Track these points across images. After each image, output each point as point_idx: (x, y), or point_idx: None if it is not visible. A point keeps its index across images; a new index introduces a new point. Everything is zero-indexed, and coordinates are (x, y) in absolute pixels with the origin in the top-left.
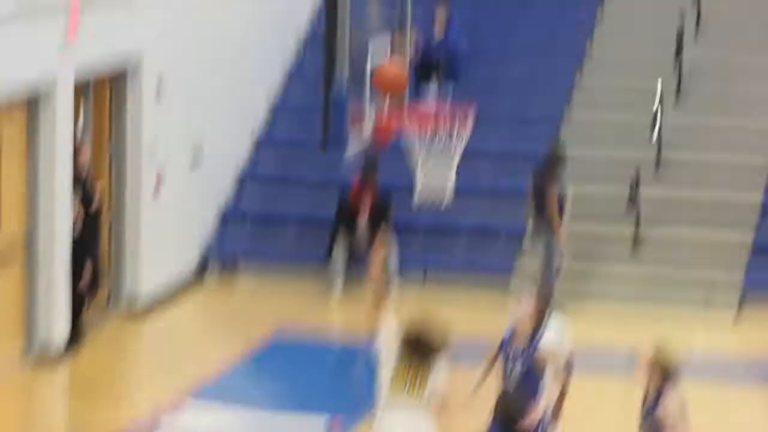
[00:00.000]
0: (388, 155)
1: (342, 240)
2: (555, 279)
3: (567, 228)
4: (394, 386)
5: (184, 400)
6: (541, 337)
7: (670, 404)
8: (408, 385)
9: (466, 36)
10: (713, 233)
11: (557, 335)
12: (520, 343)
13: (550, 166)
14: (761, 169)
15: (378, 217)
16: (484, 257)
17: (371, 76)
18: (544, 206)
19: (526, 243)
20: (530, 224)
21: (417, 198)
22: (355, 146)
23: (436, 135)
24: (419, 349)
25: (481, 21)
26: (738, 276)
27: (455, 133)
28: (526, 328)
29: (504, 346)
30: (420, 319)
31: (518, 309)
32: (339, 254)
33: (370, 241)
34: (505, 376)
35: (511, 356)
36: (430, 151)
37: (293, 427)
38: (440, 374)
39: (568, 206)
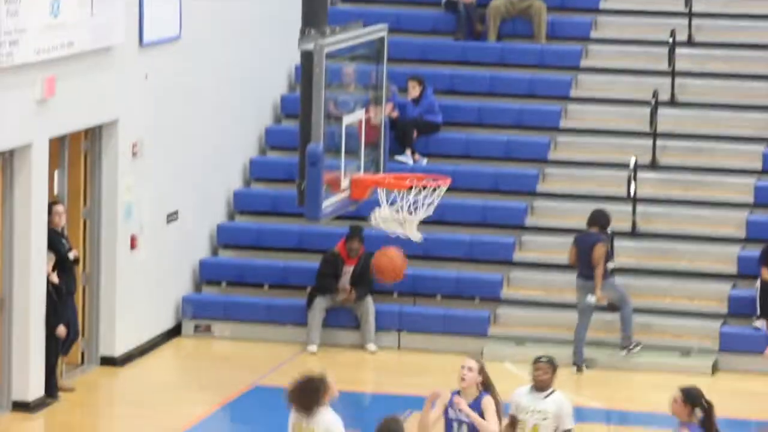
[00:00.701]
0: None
1: (322, 296)
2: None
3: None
4: None
5: None
6: (486, 394)
7: None
8: None
9: (440, 107)
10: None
11: (556, 406)
12: (467, 400)
13: (597, 224)
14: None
15: (359, 276)
16: (459, 320)
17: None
18: (590, 264)
19: (578, 303)
20: (577, 285)
21: (373, 219)
22: (331, 201)
23: (410, 192)
24: (302, 401)
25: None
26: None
27: (428, 193)
28: (471, 392)
29: (448, 408)
30: (302, 375)
31: (463, 375)
32: (317, 309)
33: (351, 300)
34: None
35: (455, 418)
36: (401, 203)
37: None
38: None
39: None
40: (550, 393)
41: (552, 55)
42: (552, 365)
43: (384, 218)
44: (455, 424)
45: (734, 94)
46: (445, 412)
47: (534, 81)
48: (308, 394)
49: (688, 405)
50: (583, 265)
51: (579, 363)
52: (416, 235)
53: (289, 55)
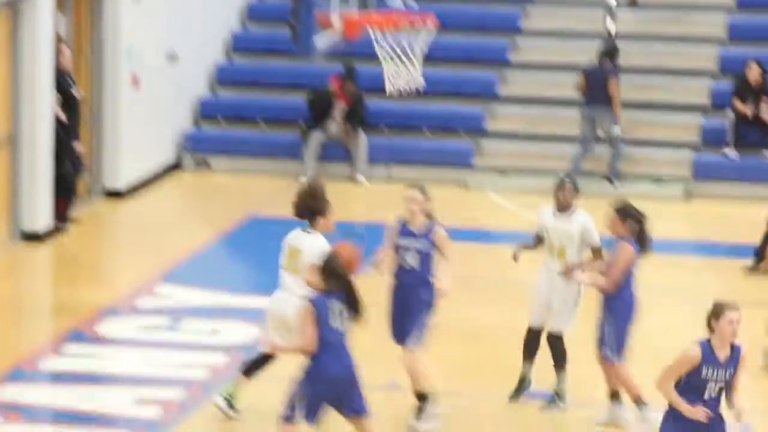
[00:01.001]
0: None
1: (317, 131)
2: (618, 159)
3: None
4: (283, 264)
5: (159, 280)
6: (435, 224)
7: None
8: (290, 260)
9: None
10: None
11: (581, 224)
12: (415, 228)
13: (609, 57)
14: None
15: (352, 113)
16: (445, 153)
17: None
18: (602, 94)
19: (582, 133)
20: (585, 115)
21: (387, 87)
22: (324, 40)
23: (401, 32)
24: (298, 202)
25: None
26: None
27: (419, 32)
28: (419, 222)
29: (398, 236)
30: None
31: (410, 208)
32: (313, 144)
33: (344, 135)
34: (399, 258)
35: (404, 246)
36: (395, 45)
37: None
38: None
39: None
40: (574, 212)
41: None
42: (575, 186)
43: (394, 76)
44: (405, 251)
45: None
46: (396, 239)
47: None
48: (305, 197)
49: (622, 219)
50: (592, 96)
51: None
52: (419, 80)
53: None
